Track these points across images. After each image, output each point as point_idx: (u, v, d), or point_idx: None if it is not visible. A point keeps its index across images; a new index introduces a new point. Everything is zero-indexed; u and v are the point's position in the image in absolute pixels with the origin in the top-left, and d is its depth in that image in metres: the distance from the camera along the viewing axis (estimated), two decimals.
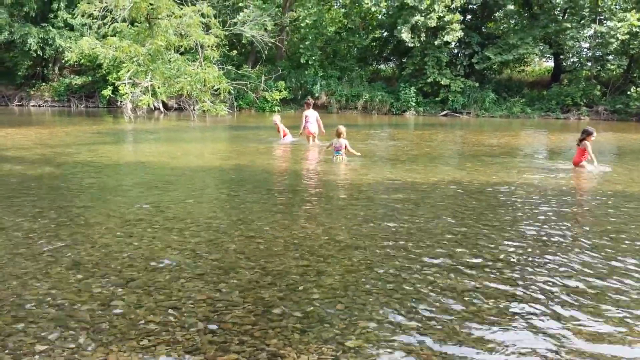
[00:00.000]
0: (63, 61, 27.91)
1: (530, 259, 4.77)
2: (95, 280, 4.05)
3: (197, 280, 4.10)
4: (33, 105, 32.39)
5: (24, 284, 3.93)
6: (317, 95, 32.21)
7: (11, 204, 6.42)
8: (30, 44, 29.60)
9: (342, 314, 3.54)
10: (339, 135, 10.82)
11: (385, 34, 36.88)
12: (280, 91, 30.42)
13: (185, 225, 5.63)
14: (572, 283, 4.18)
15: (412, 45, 30.62)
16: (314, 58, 32.42)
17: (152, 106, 23.50)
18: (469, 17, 34.83)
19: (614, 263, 4.65)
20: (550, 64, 37.72)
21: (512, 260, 4.72)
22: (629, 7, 28.71)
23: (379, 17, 36.08)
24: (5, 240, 4.99)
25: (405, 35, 29.97)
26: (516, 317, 3.59)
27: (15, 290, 3.82)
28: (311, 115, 13.92)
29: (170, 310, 3.56)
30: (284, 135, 14.22)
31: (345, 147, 10.79)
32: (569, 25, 29.46)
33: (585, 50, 31.95)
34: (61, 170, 9.19)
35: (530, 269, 4.49)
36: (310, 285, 4.02)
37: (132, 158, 11.28)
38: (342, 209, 6.54)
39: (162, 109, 27.01)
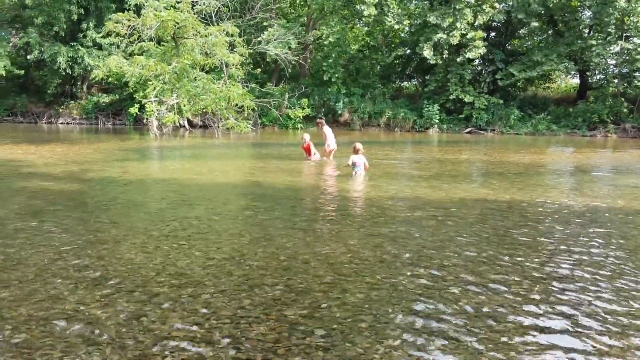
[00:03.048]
0: (91, 79, 28.54)
1: (556, 278, 4.69)
2: (121, 296, 4.10)
3: (221, 297, 4.12)
4: (62, 123, 33.12)
5: (53, 299, 4.00)
6: (340, 112, 32.35)
7: (40, 220, 6.55)
8: (60, 63, 30.37)
9: (366, 333, 3.53)
10: (356, 152, 11.15)
11: (408, 51, 36.98)
12: (303, 108, 30.62)
13: (210, 242, 5.67)
14: (600, 303, 4.10)
15: (434, 62, 30.64)
16: (336, 75, 32.62)
17: (177, 124, 23.83)
18: (492, 34, 34.75)
19: None
20: (576, 80, 37.32)
21: (537, 279, 4.65)
22: None
23: (402, 35, 36.22)
24: (34, 256, 5.08)
25: (428, 52, 30.00)
26: (542, 337, 3.53)
27: (43, 305, 3.89)
28: (329, 132, 14.26)
29: (194, 327, 3.58)
30: (312, 154, 14.22)
31: (364, 164, 11.16)
32: (594, 42, 29.17)
33: (612, 67, 31.55)
34: (88, 186, 9.36)
35: (556, 289, 4.42)
36: (334, 302, 4.02)
37: (158, 174, 11.43)
38: (365, 226, 6.52)
39: (187, 126, 27.37)
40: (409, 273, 4.74)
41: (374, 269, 4.86)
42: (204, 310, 3.86)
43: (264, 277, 4.60)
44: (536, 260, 5.22)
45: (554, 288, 4.44)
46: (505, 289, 4.39)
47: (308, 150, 14.32)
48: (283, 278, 4.56)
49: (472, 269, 4.89)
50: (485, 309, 3.95)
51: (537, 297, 4.23)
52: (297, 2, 34.51)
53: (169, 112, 23.23)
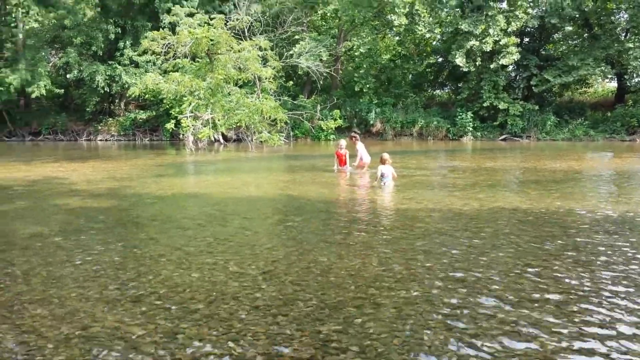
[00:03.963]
0: (128, 96, 29.28)
1: (594, 291, 4.59)
2: (159, 313, 4.19)
3: (256, 313, 4.17)
4: (100, 140, 34.00)
5: (92, 316, 4.12)
6: (372, 122, 32.36)
7: (81, 238, 6.74)
8: (98, 81, 31.26)
9: (400, 349, 3.52)
10: (383, 162, 11.35)
11: (440, 59, 36.84)
12: (336, 120, 30.75)
13: (244, 257, 5.74)
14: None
15: (467, 69, 30.40)
16: (368, 86, 32.70)
17: (212, 138, 24.22)
18: (526, 39, 34.31)
19: None
20: (614, 84, 36.49)
21: (576, 294, 4.56)
22: None
23: (433, 43, 36.09)
24: (75, 273, 5.24)
25: (460, 60, 29.82)
26: (582, 355, 3.46)
27: (83, 323, 4.01)
28: (362, 148, 14.50)
29: (230, 343, 3.64)
30: (344, 165, 14.36)
31: (393, 174, 11.37)
32: (631, 45, 28.54)
33: None
34: (127, 203, 9.58)
35: (594, 303, 4.32)
36: (367, 318, 4.02)
37: (194, 189, 11.63)
38: (398, 239, 6.50)
39: (221, 140, 27.78)
40: (442, 287, 4.71)
41: (407, 283, 4.84)
42: (239, 327, 3.91)
43: (297, 292, 4.63)
44: (574, 273, 5.12)
45: (593, 304, 4.35)
46: (543, 304, 4.31)
47: (341, 159, 14.41)
48: (317, 293, 4.59)
49: (508, 283, 4.82)
50: (522, 324, 3.89)
51: (577, 313, 4.15)
52: (328, 15, 34.77)
53: (204, 127, 23.64)
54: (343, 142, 14.93)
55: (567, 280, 4.89)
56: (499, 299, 4.40)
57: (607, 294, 4.52)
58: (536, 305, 4.27)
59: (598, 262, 5.44)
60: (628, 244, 6.16)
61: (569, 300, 4.38)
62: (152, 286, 4.83)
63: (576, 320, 3.98)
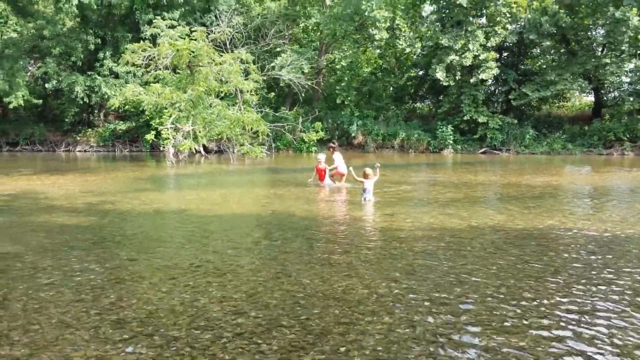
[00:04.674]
0: (108, 107, 29.01)
1: (578, 313, 4.64)
2: (140, 340, 4.13)
3: (239, 340, 4.13)
4: (79, 151, 33.58)
5: (74, 345, 4.04)
6: (353, 135, 32.49)
7: (60, 258, 6.63)
8: (77, 92, 30.91)
9: None
10: (366, 177, 11.43)
11: (420, 72, 37.17)
12: (317, 132, 30.77)
13: (226, 279, 5.70)
14: (628, 338, 4.04)
15: (447, 84, 30.72)
16: (349, 99, 32.86)
17: (193, 149, 24.08)
18: (505, 54, 34.79)
19: None
20: (591, 98, 37.17)
21: (559, 315, 4.60)
22: None
23: (414, 57, 36.43)
24: (55, 298, 5.14)
25: (440, 74, 30.13)
26: None
27: (64, 352, 3.93)
28: (339, 158, 14.60)
29: None
30: (322, 180, 14.42)
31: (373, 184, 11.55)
32: (608, 60, 29.08)
33: (627, 84, 31.43)
34: (107, 220, 9.46)
35: (579, 325, 4.36)
36: (352, 346, 4.00)
37: (174, 206, 11.53)
38: (382, 260, 6.51)
39: (202, 152, 27.63)
40: (427, 311, 4.72)
41: (391, 307, 4.84)
42: (222, 355, 3.87)
43: (281, 317, 4.60)
44: (557, 294, 5.17)
45: (576, 325, 4.39)
46: (526, 327, 4.34)
47: (321, 173, 14.47)
48: (301, 318, 4.56)
49: (492, 306, 4.85)
50: (505, 351, 3.91)
51: (560, 335, 4.18)
52: (310, 27, 34.96)
53: (185, 139, 23.49)
54: (322, 156, 14.97)
55: (548, 301, 4.93)
56: (482, 324, 4.42)
57: (590, 314, 4.57)
58: (520, 329, 4.29)
59: (579, 282, 5.50)
60: (610, 263, 6.24)
61: (553, 322, 4.42)
62: (134, 311, 4.76)
63: (560, 341, 4.01)
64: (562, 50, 33.18)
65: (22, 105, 31.18)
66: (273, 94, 34.15)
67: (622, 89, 31.91)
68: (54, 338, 4.18)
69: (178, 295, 5.17)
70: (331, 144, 16.12)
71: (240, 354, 3.89)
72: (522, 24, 31.42)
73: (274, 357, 3.84)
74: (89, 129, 34.63)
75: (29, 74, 34.41)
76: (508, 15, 30.33)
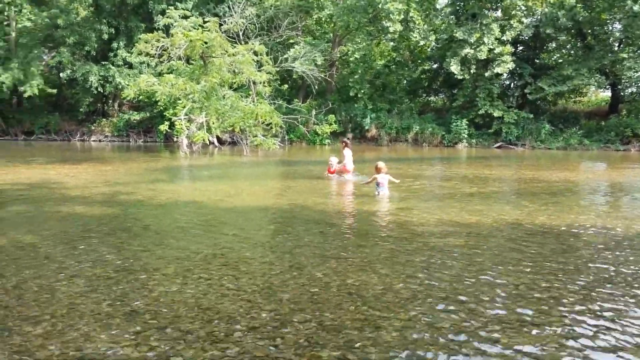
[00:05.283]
0: (122, 98, 29.11)
1: (598, 313, 4.52)
2: (153, 333, 4.07)
3: (253, 334, 4.06)
4: (94, 140, 33.75)
5: (85, 337, 3.99)
6: (367, 128, 32.33)
7: (73, 248, 6.61)
8: (91, 82, 31.05)
9: None
10: (379, 171, 11.25)
11: (434, 66, 36.88)
12: (331, 124, 30.71)
13: (240, 272, 5.64)
14: None
15: (462, 77, 30.44)
16: (363, 91, 32.67)
17: (206, 141, 24.08)
18: (520, 48, 34.40)
19: None
20: (607, 93, 36.69)
21: (579, 314, 4.48)
22: None
23: (428, 50, 36.13)
24: (67, 288, 5.11)
25: (455, 67, 29.86)
26: None
27: (76, 343, 3.88)
28: (349, 155, 14.67)
29: None
30: (332, 172, 14.48)
31: (389, 180, 11.34)
32: (625, 55, 28.64)
33: None
34: (121, 210, 9.44)
35: (600, 325, 4.24)
36: (368, 342, 3.92)
37: (188, 197, 11.49)
38: (397, 255, 6.41)
39: (216, 143, 27.64)
40: (444, 308, 4.62)
41: (407, 303, 4.75)
42: (236, 350, 3.80)
43: (295, 312, 4.52)
44: (576, 293, 5.05)
45: (598, 326, 4.27)
46: (546, 326, 4.23)
47: (331, 173, 14.60)
48: (315, 313, 4.49)
49: (510, 304, 4.74)
50: (525, 351, 3.81)
51: (581, 335, 4.07)
52: (323, 19, 34.75)
53: (198, 130, 23.49)
54: (334, 159, 14.85)
55: (568, 300, 4.81)
56: (500, 322, 4.31)
57: (610, 313, 4.45)
58: (539, 328, 4.19)
59: (599, 281, 5.37)
60: (632, 262, 6.10)
61: (572, 322, 4.31)
62: (147, 303, 4.72)
63: (580, 341, 3.91)
64: (578, 45, 32.75)
65: (37, 94, 31.37)
66: (286, 85, 34.04)
67: None
68: (66, 329, 4.14)
69: (191, 288, 5.12)
70: (345, 139, 16.08)
71: (254, 348, 3.82)
72: (538, 17, 31.01)
73: (288, 352, 3.76)
74: (104, 119, 34.80)
75: (43, 63, 34.59)
76: (524, 8, 29.96)
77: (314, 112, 31.52)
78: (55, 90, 32.60)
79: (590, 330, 4.20)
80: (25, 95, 31.32)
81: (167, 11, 26.88)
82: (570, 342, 3.97)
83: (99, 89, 31.80)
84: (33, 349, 3.82)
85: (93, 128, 34.35)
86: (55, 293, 4.96)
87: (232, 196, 11.50)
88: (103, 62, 31.97)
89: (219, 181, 14.56)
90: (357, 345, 3.89)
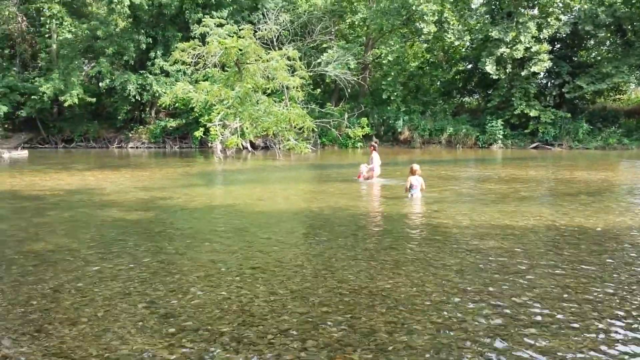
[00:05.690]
0: (159, 105, 29.68)
1: (635, 320, 4.38)
2: (187, 334, 4.13)
3: (284, 337, 4.08)
4: (131, 147, 34.45)
5: (121, 338, 4.07)
6: (400, 130, 32.13)
7: (110, 252, 6.76)
8: (130, 90, 31.73)
9: None
10: (413, 173, 11.05)
11: (469, 66, 36.42)
12: (363, 127, 30.62)
13: (272, 275, 5.67)
14: None
15: (497, 77, 29.98)
16: (395, 94, 32.48)
17: (240, 146, 24.31)
18: (557, 46, 33.69)
19: None
20: None
21: (618, 318, 4.36)
22: None
23: (463, 50, 35.71)
24: (104, 291, 5.22)
25: (490, 67, 29.43)
26: None
27: (112, 345, 3.97)
28: (377, 158, 14.59)
29: None
30: (359, 176, 14.49)
31: (422, 185, 11.12)
32: None
33: None
34: (157, 214, 9.62)
35: (633, 333, 4.12)
36: (400, 346, 3.89)
37: (223, 201, 11.64)
38: (430, 257, 6.35)
39: (249, 148, 27.90)
40: (478, 312, 4.55)
41: (440, 306, 4.70)
42: (268, 352, 3.82)
43: (327, 314, 4.53)
44: (615, 296, 4.91)
45: (634, 328, 4.15)
46: (584, 329, 4.13)
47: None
48: (346, 316, 4.48)
49: (546, 307, 4.64)
50: (561, 354, 3.72)
51: (618, 339, 3.96)
52: (356, 23, 34.70)
53: (233, 135, 23.75)
54: (364, 167, 14.78)
55: (606, 303, 4.68)
56: (536, 326, 4.23)
57: None
58: (577, 331, 4.09)
59: (638, 284, 5.22)
60: None
61: (611, 325, 4.19)
62: (181, 305, 4.79)
63: (619, 344, 3.80)
64: (618, 42, 31.87)
65: (77, 103, 32.21)
66: (319, 90, 34.10)
67: None
68: (102, 331, 4.23)
69: (224, 290, 5.18)
70: (373, 143, 15.97)
71: (286, 351, 3.84)
72: (576, 14, 30.34)
73: (319, 355, 3.77)
74: (141, 126, 35.48)
75: (83, 73, 35.52)
76: (561, 5, 29.35)
77: (346, 116, 31.49)
78: (94, 99, 33.41)
79: (631, 332, 4.08)
80: (66, 104, 32.20)
81: (203, 20, 27.27)
82: (610, 345, 3.86)
83: (136, 97, 32.48)
84: (69, 350, 3.91)
85: (130, 135, 35.08)
86: (92, 296, 5.08)
87: (265, 200, 11.59)
88: (141, 71, 32.66)
89: (252, 185, 14.69)
90: (389, 348, 3.86)
